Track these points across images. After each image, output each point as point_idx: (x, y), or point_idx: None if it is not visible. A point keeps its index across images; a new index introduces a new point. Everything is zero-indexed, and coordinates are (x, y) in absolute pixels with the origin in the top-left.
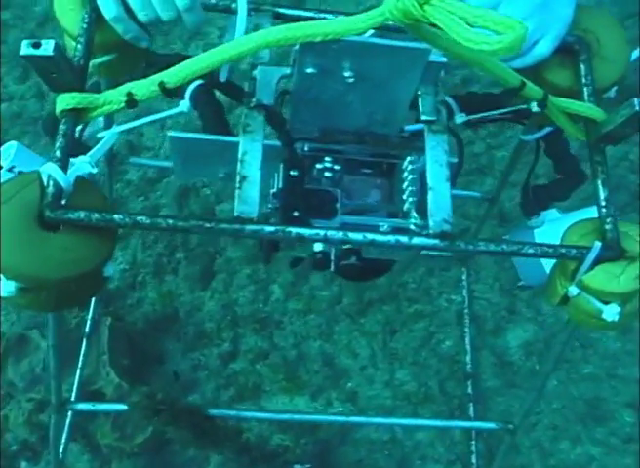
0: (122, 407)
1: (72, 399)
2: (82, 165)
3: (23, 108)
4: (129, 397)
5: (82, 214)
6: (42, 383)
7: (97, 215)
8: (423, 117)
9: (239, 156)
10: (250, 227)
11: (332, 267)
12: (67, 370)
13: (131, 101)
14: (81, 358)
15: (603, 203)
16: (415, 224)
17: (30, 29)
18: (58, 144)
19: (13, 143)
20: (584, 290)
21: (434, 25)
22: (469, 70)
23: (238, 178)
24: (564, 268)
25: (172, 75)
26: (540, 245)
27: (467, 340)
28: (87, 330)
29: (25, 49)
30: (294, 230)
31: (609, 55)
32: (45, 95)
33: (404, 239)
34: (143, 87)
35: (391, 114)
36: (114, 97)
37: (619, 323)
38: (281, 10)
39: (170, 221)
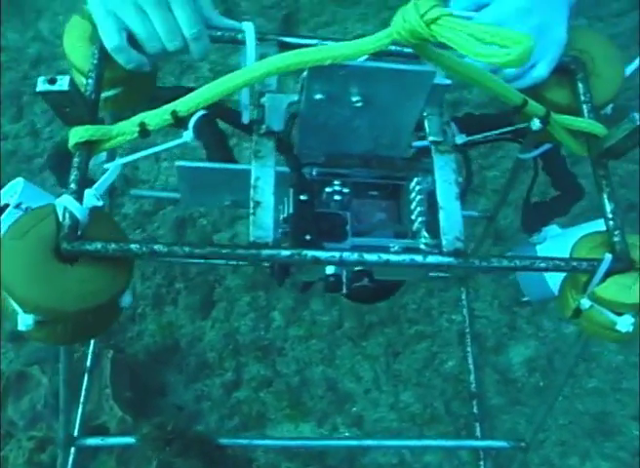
0: (131, 440)
1: (75, 435)
2: (89, 198)
3: (18, 146)
4: (134, 431)
5: (99, 246)
6: (43, 421)
7: (113, 246)
8: (431, 138)
9: (252, 182)
10: (266, 252)
11: (344, 289)
12: (69, 405)
13: (144, 131)
14: (83, 392)
15: (610, 216)
16: (425, 244)
17: (24, 70)
18: (72, 177)
19: (20, 180)
20: (597, 302)
21: (440, 45)
22: (459, 93)
23: (252, 204)
24: (575, 281)
25: (184, 104)
26: (552, 259)
27: (470, 360)
28: (88, 364)
29: (42, 85)
30: (309, 253)
31: (604, 72)
32: (39, 133)
33: (419, 258)
34: (156, 117)
35: (397, 137)
36: (127, 129)
37: (633, 334)
38: (286, 39)
39: (186, 249)
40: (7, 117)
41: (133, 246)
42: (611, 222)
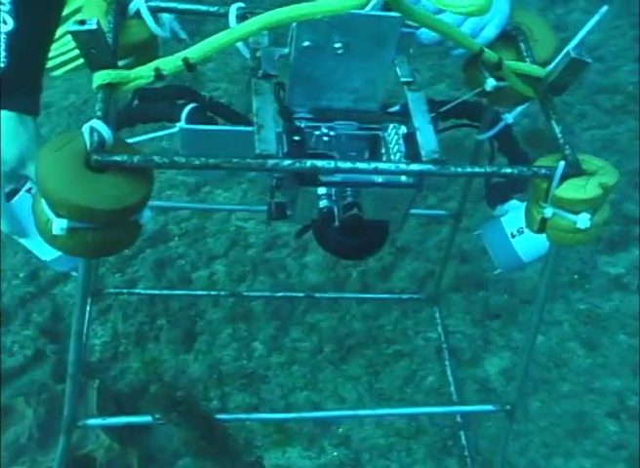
0: (133, 419)
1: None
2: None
3: None
4: (122, 457)
5: (125, 157)
6: (27, 454)
7: (138, 157)
8: (403, 79)
9: (254, 111)
10: (271, 161)
11: (336, 222)
12: (53, 438)
13: (159, 75)
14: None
15: (560, 136)
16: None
17: None
18: (98, 107)
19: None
20: (557, 205)
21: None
22: None
23: (256, 128)
24: (538, 193)
25: (195, 51)
26: (516, 166)
27: (449, 372)
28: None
29: (72, 26)
30: (308, 161)
31: (540, 38)
32: None
33: (403, 166)
34: (170, 63)
35: (373, 89)
36: (144, 73)
37: (591, 231)
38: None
39: (202, 159)
40: None
41: (155, 157)
42: (561, 141)
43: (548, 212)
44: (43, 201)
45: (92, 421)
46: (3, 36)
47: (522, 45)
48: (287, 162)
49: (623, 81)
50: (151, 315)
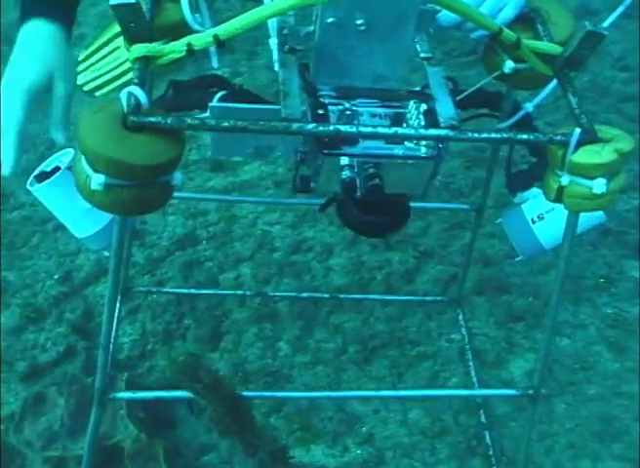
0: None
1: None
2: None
3: (33, 213)
4: (149, 448)
5: (159, 118)
6: (59, 441)
7: (171, 119)
8: (422, 55)
9: (280, 80)
10: (295, 125)
11: (358, 192)
12: (83, 427)
13: (190, 51)
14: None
15: (575, 106)
16: (426, 143)
17: (41, 151)
18: (134, 75)
19: (70, 149)
20: (573, 171)
21: None
22: None
23: (282, 95)
24: (555, 162)
25: (225, 29)
26: (532, 133)
27: (473, 373)
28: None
29: (114, 1)
30: (332, 126)
31: (557, 21)
32: None
33: (422, 130)
34: (201, 39)
35: (394, 67)
36: (177, 48)
37: (607, 197)
38: None
39: (231, 122)
40: (23, 190)
41: (187, 119)
42: (577, 111)
43: (565, 179)
44: (83, 159)
45: (122, 394)
46: None
47: (540, 27)
48: (311, 125)
49: None
50: (179, 314)
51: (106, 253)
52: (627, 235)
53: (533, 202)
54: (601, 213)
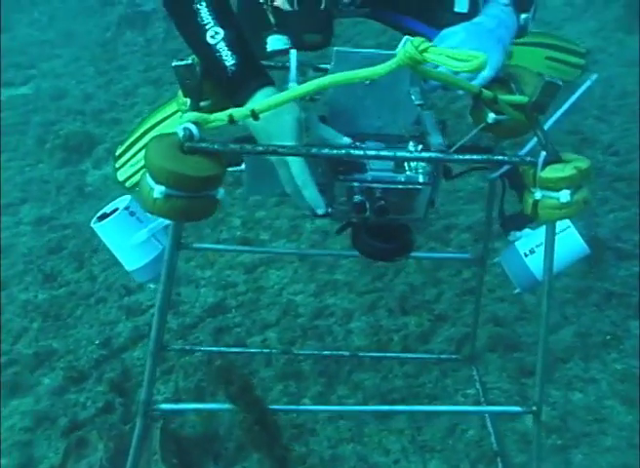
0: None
1: None
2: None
3: (78, 289)
4: None
5: (207, 144)
6: None
7: (217, 145)
8: (416, 102)
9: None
10: (314, 149)
11: (367, 212)
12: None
13: (231, 121)
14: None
15: (541, 136)
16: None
17: (86, 237)
18: (187, 118)
19: (127, 196)
20: (543, 185)
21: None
22: None
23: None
24: (528, 180)
25: (261, 104)
26: (507, 155)
27: (489, 423)
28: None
29: (176, 62)
30: (344, 150)
31: (528, 81)
32: (96, 278)
33: (416, 153)
34: (240, 112)
35: (395, 114)
36: (220, 117)
37: (573, 207)
38: (319, 65)
39: (264, 146)
40: (70, 268)
41: (231, 144)
42: (543, 141)
43: (538, 194)
44: (147, 175)
45: (165, 406)
46: (222, 43)
47: (513, 85)
48: (326, 149)
49: (639, 171)
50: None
51: (152, 286)
52: (630, 297)
53: (525, 239)
54: (585, 246)
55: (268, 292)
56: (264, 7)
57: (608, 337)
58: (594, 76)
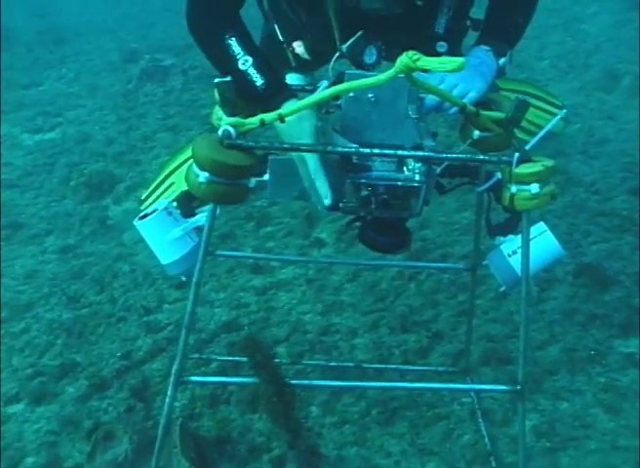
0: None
1: None
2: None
3: (100, 309)
4: None
5: (242, 141)
6: None
7: (251, 142)
8: (412, 116)
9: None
10: (330, 147)
11: (373, 204)
12: (144, 463)
13: (262, 124)
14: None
15: (516, 143)
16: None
17: (109, 263)
18: (225, 121)
19: (165, 200)
20: (517, 180)
21: (423, 71)
22: None
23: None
24: (505, 177)
25: (287, 108)
26: (487, 154)
27: (483, 427)
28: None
29: (217, 80)
30: (353, 148)
31: (504, 104)
32: (116, 300)
33: (412, 151)
34: (269, 116)
35: (396, 127)
36: (253, 121)
37: (542, 198)
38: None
39: (289, 144)
40: (92, 291)
41: (262, 142)
42: (518, 147)
43: (513, 188)
44: (194, 164)
45: (194, 378)
46: (252, 68)
47: (493, 106)
48: (339, 148)
49: (619, 207)
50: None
51: (183, 278)
52: (612, 318)
53: (508, 243)
54: (560, 247)
55: (278, 311)
56: (284, 47)
57: (592, 353)
58: (563, 112)
